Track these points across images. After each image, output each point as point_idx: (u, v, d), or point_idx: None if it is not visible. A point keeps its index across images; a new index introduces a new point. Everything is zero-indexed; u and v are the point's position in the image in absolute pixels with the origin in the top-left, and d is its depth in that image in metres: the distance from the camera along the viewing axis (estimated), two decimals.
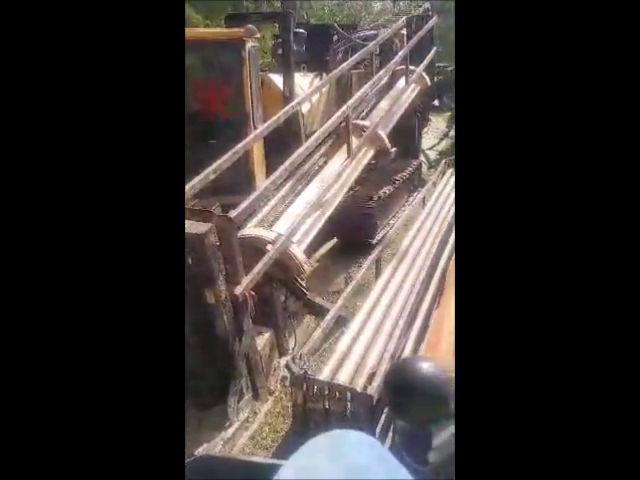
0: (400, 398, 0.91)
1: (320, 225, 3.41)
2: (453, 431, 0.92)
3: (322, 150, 4.05)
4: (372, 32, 6.69)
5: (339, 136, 4.17)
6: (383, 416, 2.24)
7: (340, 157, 4.06)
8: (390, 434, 2.13)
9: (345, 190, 3.89)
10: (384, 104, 5.05)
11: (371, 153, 4.38)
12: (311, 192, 3.60)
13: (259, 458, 2.00)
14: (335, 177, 3.74)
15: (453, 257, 3.56)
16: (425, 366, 0.90)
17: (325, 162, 4.05)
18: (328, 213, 3.51)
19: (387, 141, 4.52)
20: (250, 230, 3.06)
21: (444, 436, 0.91)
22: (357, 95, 4.36)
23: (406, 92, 5.38)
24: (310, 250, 3.35)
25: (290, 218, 3.24)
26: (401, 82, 5.50)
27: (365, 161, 4.28)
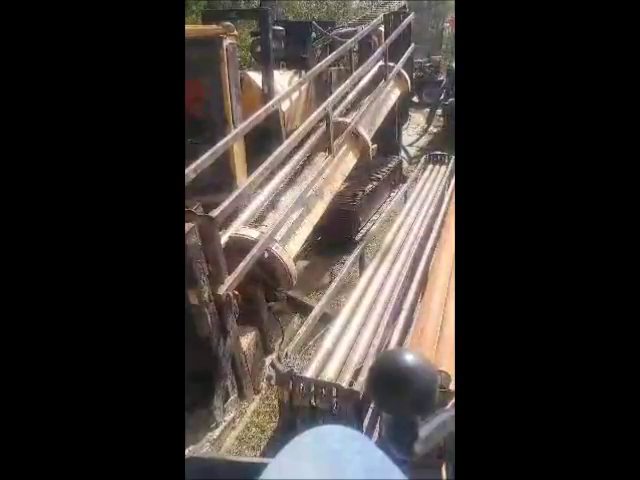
0: (385, 389, 0.91)
1: (311, 227, 3.43)
2: (438, 422, 0.93)
3: (306, 148, 4.03)
4: (350, 29, 6.70)
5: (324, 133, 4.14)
6: (370, 411, 2.25)
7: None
8: (377, 428, 2.14)
9: (337, 185, 3.90)
10: (366, 102, 5.05)
11: (354, 150, 4.39)
12: (298, 190, 3.59)
13: (246, 458, 2.00)
14: (319, 175, 3.74)
15: (435, 252, 3.60)
16: (409, 357, 0.90)
17: (310, 160, 4.04)
18: (318, 214, 3.53)
19: (368, 138, 4.54)
20: (244, 231, 3.06)
21: (429, 427, 0.92)
22: (337, 92, 4.36)
23: (386, 89, 5.39)
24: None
25: (278, 217, 3.24)
26: (380, 78, 5.52)
27: (350, 159, 4.28)
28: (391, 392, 0.89)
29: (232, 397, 2.81)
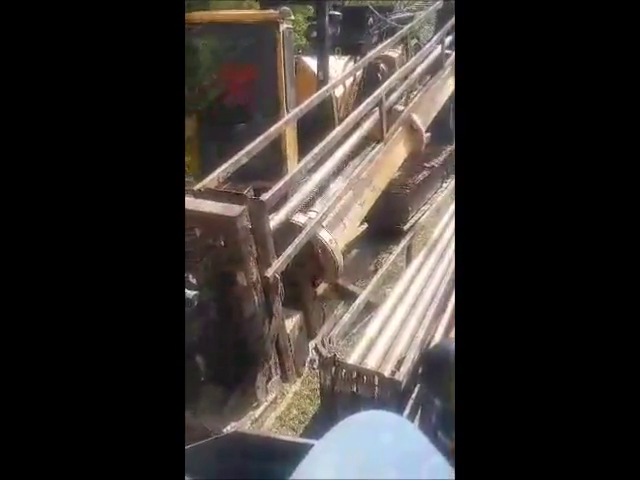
0: (440, 376, 0.91)
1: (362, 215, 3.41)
2: None
3: (359, 134, 3.98)
4: (408, 14, 6.54)
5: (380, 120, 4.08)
6: (410, 402, 2.24)
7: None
8: (417, 419, 2.13)
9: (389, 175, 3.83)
10: (421, 89, 4.94)
11: (407, 139, 4.32)
12: (348, 177, 3.59)
13: (288, 437, 2.03)
14: (370, 163, 3.71)
15: None
16: None
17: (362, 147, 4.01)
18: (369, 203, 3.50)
19: (422, 127, 4.44)
20: (298, 217, 3.09)
21: None
22: (391, 78, 4.27)
23: (442, 77, 5.25)
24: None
25: (327, 204, 3.24)
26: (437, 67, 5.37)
27: (402, 148, 4.22)
28: (446, 379, 0.89)
29: (274, 378, 2.86)
